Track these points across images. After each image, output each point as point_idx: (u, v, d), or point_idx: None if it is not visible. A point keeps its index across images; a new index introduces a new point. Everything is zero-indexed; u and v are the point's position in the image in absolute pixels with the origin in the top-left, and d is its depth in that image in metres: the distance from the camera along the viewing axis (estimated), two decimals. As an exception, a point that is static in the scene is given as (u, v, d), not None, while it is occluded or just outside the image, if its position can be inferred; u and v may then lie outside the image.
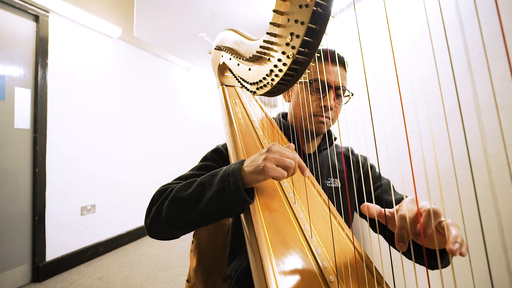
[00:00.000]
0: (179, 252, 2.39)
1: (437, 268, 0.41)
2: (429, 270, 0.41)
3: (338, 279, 0.42)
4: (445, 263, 0.49)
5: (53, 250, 1.95)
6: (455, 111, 1.04)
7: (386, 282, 0.44)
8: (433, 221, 0.36)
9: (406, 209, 0.37)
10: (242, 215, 0.53)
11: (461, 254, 0.33)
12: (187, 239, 2.54)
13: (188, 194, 0.53)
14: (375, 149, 0.47)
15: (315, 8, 0.41)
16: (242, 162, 0.52)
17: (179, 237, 0.59)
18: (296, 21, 0.43)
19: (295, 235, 0.48)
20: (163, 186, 0.64)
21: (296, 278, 0.41)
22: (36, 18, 1.89)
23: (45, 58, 1.92)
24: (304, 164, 0.49)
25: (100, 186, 2.35)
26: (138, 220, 2.75)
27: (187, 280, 0.95)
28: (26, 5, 1.82)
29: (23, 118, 1.81)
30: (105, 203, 2.39)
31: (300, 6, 0.42)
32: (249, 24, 2.10)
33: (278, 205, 0.53)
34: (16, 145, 1.79)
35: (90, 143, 2.27)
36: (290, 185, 0.58)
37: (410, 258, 0.49)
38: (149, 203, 0.61)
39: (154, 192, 0.62)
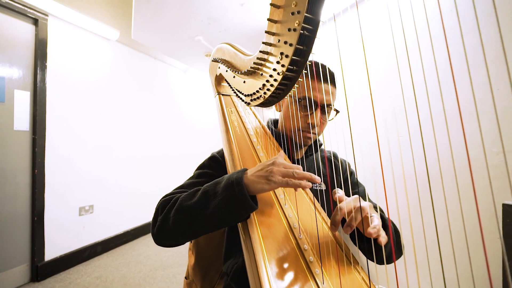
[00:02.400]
0: (176, 251, 2.43)
1: (382, 262, 0.52)
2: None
3: (322, 271, 0.48)
4: (388, 256, 0.58)
5: (52, 250, 1.98)
6: (439, 117, 1.11)
7: (362, 268, 0.50)
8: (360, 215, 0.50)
9: (344, 203, 0.52)
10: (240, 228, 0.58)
11: (377, 238, 0.49)
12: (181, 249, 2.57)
13: (194, 202, 0.55)
14: (352, 152, 0.52)
15: (302, 32, 0.46)
16: (244, 171, 0.55)
17: (184, 243, 0.62)
18: (285, 43, 0.48)
19: (285, 233, 0.53)
20: (165, 196, 0.66)
21: (285, 272, 0.47)
22: (35, 21, 1.92)
23: (44, 61, 1.95)
24: (309, 175, 0.52)
25: (98, 187, 2.38)
26: (135, 220, 2.78)
27: (186, 277, 0.99)
28: (26, 8, 1.84)
29: (22, 120, 1.84)
30: (103, 204, 2.42)
31: (289, 29, 0.47)
32: (245, 28, 2.15)
33: (270, 206, 0.58)
34: (15, 147, 1.81)
35: (88, 144, 2.30)
36: (281, 188, 0.64)
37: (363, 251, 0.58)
38: (154, 213, 0.64)
39: (157, 201, 0.65)
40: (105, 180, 2.46)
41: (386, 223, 0.60)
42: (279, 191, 0.63)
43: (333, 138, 0.88)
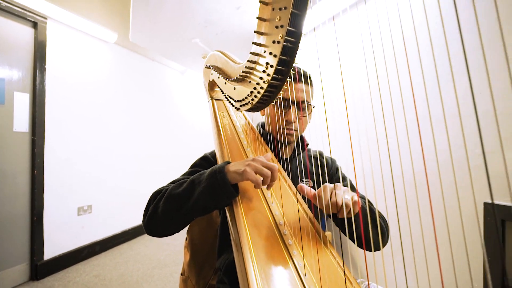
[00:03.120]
0: (173, 250, 2.47)
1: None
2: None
3: (305, 264, 0.52)
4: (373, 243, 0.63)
5: (51, 250, 2.01)
6: (425, 120, 1.15)
7: (338, 254, 0.55)
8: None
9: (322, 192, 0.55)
10: (228, 215, 0.62)
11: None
12: (180, 238, 2.61)
13: (181, 191, 0.61)
14: (329, 150, 0.56)
15: (285, 44, 0.50)
16: (227, 162, 0.61)
17: (173, 233, 0.66)
18: (270, 53, 0.52)
19: (271, 230, 0.57)
20: (158, 189, 0.71)
21: (270, 266, 0.50)
22: (35, 24, 1.95)
23: (43, 63, 1.98)
24: (276, 175, 0.58)
25: (96, 187, 2.41)
26: (133, 220, 2.81)
27: (181, 274, 1.03)
28: (25, 12, 1.88)
29: (22, 122, 1.87)
30: (101, 204, 2.45)
31: (274, 42, 0.51)
32: (241, 30, 2.18)
33: (257, 204, 0.62)
34: (15, 148, 1.84)
35: (87, 145, 2.33)
36: (275, 202, 0.68)
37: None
38: (146, 204, 0.68)
39: (150, 194, 0.70)
40: (104, 181, 2.49)
41: (368, 212, 0.64)
42: (266, 190, 0.67)
43: (317, 139, 0.92)
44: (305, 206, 0.65)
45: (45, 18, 2.01)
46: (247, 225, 0.56)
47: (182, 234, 0.88)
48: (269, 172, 0.56)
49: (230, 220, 0.60)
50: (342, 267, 0.53)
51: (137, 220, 2.86)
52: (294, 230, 0.58)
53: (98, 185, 2.43)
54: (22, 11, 1.86)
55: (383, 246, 0.65)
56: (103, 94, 2.51)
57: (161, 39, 2.35)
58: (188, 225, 0.96)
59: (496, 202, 0.96)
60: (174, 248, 2.53)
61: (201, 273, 0.97)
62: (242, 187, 0.63)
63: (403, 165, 1.20)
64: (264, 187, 0.67)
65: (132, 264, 2.20)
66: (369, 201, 0.74)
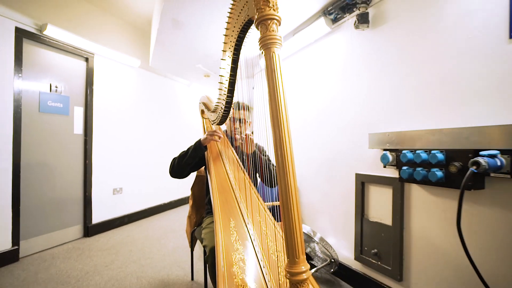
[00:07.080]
0: (181, 223, 3.28)
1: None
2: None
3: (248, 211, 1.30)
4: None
5: (97, 216, 2.86)
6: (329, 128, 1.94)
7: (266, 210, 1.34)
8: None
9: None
10: (208, 177, 1.41)
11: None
12: (185, 216, 3.41)
13: (183, 153, 1.45)
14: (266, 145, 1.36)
15: (227, 99, 1.29)
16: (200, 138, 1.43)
17: (184, 177, 1.49)
18: (221, 108, 1.30)
19: (228, 184, 1.35)
20: (174, 157, 1.51)
21: (222, 196, 1.29)
22: (86, 59, 2.79)
23: (91, 86, 2.82)
24: (219, 136, 1.41)
25: (126, 174, 3.24)
26: (150, 202, 3.63)
27: (188, 215, 1.83)
28: (81, 51, 2.72)
29: (78, 127, 2.71)
30: (129, 187, 3.29)
31: (226, 101, 1.30)
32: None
33: (219, 165, 1.41)
34: (74, 145, 2.68)
35: (119, 144, 3.17)
36: (228, 164, 1.47)
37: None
38: (170, 163, 1.50)
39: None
40: (132, 170, 3.33)
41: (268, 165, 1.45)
42: (227, 164, 1.46)
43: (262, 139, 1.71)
44: (243, 169, 1.45)
45: (93, 54, 2.85)
46: (216, 182, 1.35)
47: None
48: (216, 133, 1.39)
49: (209, 180, 1.39)
50: (262, 203, 1.32)
51: (153, 202, 3.68)
52: (239, 181, 1.37)
53: (128, 173, 3.27)
54: (79, 50, 2.70)
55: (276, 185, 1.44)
56: (131, 105, 3.35)
57: (173, 64, 3.17)
58: (192, 184, 1.76)
59: (359, 172, 1.73)
60: (180, 223, 3.33)
61: (198, 212, 1.77)
62: (214, 163, 1.44)
63: (317, 154, 1.99)
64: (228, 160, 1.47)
65: (152, 230, 3.02)
66: (273, 165, 1.53)
